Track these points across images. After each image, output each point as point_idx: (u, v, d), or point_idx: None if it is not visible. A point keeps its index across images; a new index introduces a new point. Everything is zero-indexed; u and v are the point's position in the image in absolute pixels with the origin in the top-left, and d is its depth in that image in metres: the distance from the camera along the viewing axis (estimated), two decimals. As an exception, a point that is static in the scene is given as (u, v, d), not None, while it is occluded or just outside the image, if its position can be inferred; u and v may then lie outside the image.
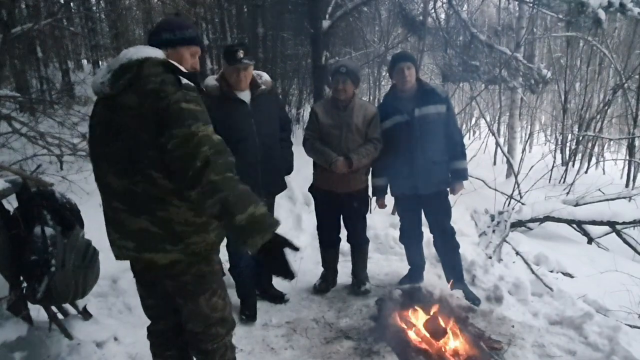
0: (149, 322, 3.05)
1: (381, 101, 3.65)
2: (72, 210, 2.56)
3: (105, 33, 11.17)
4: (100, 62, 10.24)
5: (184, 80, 1.70)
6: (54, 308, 2.56)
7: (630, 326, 3.24)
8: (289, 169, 3.37)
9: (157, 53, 1.77)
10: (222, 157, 1.66)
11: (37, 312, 2.60)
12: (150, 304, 2.08)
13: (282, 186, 3.29)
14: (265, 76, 3.06)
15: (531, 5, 7.78)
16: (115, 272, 3.35)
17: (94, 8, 10.69)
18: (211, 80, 2.90)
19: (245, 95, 2.94)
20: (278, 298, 3.53)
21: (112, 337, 2.75)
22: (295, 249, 1.72)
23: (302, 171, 4.37)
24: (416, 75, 3.41)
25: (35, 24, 4.50)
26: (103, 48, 10.41)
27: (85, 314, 2.71)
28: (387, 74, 11.81)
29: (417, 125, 3.31)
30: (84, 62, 11.97)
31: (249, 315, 3.24)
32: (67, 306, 2.68)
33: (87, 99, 6.67)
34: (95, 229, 2.68)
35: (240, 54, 2.76)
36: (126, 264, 3.63)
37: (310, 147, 3.36)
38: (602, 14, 5.81)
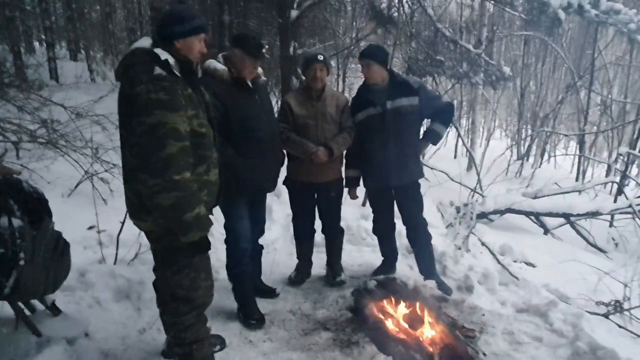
0: (120, 317, 2.95)
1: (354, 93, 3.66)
2: (40, 200, 2.42)
3: (59, 15, 10.62)
4: (55, 45, 9.72)
5: (157, 70, 1.84)
6: (20, 304, 2.42)
7: (590, 313, 3.41)
8: (283, 161, 3.32)
9: (145, 43, 1.96)
10: (184, 156, 1.88)
11: (1, 308, 2.46)
12: None
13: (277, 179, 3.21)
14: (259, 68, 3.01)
15: (493, 3, 8.00)
16: (82, 264, 3.20)
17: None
18: (219, 64, 2.76)
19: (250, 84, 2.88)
20: (269, 293, 3.44)
21: (82, 332, 2.63)
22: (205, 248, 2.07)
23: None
24: (387, 68, 3.43)
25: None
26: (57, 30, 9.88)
27: (54, 310, 2.57)
28: (352, 67, 11.80)
29: (389, 117, 3.34)
30: (36, 44, 11.34)
31: (258, 319, 3.05)
32: (35, 302, 2.54)
33: (41, 83, 6.30)
34: (58, 220, 2.56)
35: (264, 50, 2.79)
36: (94, 256, 3.51)
37: (286, 140, 3.27)
38: (562, 14, 6.05)
